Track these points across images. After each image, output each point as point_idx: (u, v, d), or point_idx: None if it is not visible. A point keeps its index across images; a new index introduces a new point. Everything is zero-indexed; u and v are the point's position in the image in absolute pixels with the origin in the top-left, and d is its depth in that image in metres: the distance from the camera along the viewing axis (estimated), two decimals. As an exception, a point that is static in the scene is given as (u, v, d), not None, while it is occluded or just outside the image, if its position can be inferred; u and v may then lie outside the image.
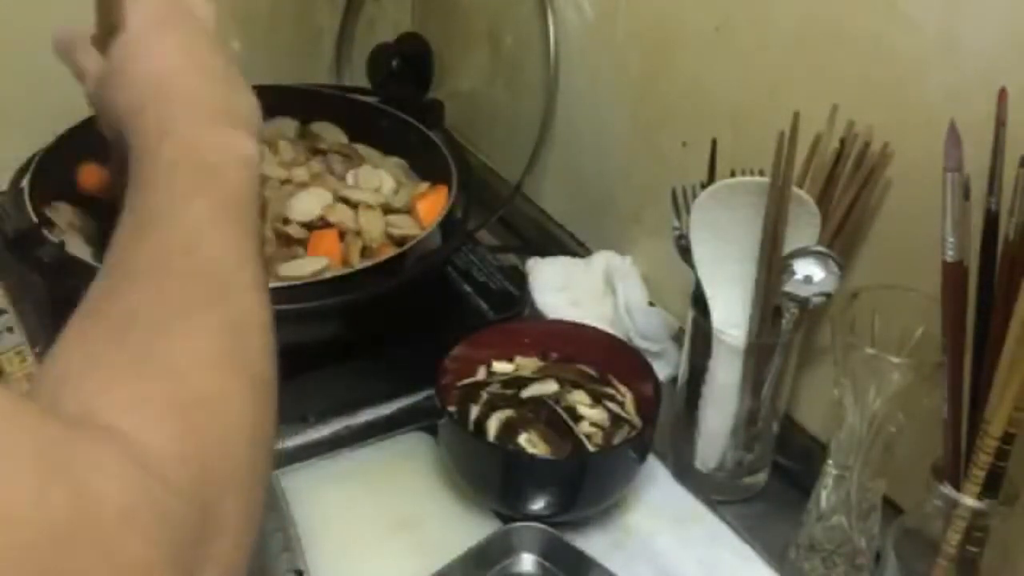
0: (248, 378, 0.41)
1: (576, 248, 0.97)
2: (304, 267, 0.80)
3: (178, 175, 0.47)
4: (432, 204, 0.88)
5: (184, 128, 0.50)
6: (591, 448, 0.70)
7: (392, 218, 0.87)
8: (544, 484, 0.69)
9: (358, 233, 0.85)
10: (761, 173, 0.67)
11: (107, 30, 0.56)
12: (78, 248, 0.78)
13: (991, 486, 0.54)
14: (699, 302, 0.71)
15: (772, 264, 0.67)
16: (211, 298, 0.43)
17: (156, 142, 0.49)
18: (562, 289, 0.89)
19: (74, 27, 0.60)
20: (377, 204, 0.87)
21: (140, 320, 0.40)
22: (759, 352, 0.69)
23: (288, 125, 0.95)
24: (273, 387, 0.43)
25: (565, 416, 0.72)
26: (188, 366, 0.39)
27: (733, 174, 0.69)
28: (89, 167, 0.87)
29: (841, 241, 0.67)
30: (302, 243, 0.83)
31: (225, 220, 0.46)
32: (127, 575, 0.32)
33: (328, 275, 0.78)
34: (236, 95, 0.54)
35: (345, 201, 0.87)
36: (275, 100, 0.93)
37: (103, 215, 0.68)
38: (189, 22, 0.56)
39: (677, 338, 0.84)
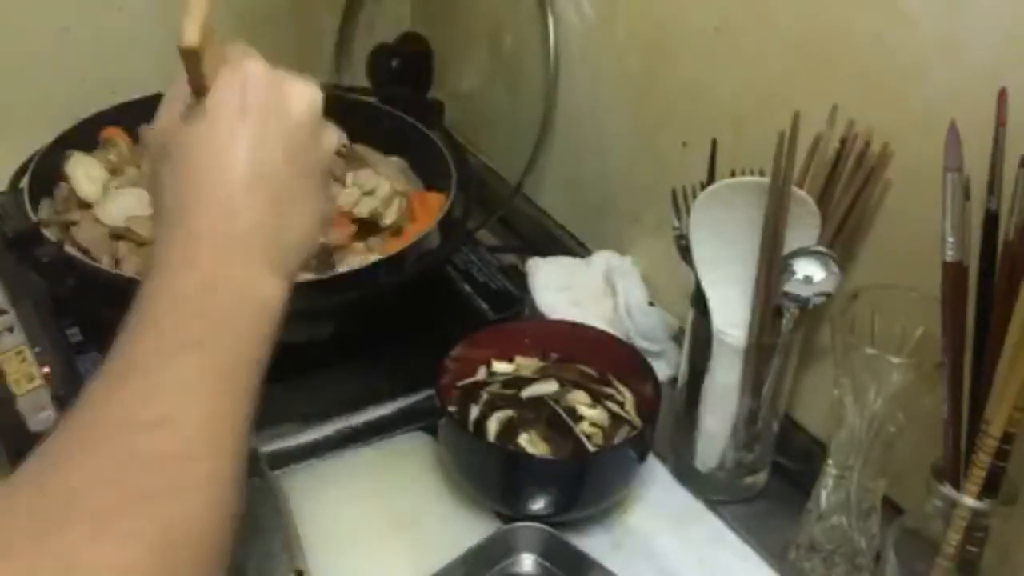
0: None
1: (576, 248, 0.97)
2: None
3: (183, 316, 0.43)
4: (432, 204, 0.88)
5: (212, 256, 0.45)
6: (591, 448, 0.70)
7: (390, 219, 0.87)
8: (544, 484, 0.69)
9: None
10: (761, 173, 0.67)
11: (196, 90, 0.49)
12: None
13: (991, 486, 0.54)
14: (699, 302, 0.71)
15: (772, 264, 0.66)
16: (161, 490, 0.39)
17: (178, 263, 0.45)
18: (562, 289, 0.89)
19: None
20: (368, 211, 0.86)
21: (76, 512, 0.37)
22: (759, 352, 0.69)
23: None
24: None
25: (565, 416, 0.72)
26: None
27: (733, 174, 0.69)
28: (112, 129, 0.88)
29: (841, 241, 0.67)
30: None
31: (215, 383, 0.42)
32: None
33: (328, 275, 0.78)
34: (292, 219, 0.49)
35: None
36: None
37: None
38: (275, 119, 0.49)
39: (677, 338, 0.84)
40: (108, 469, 0.38)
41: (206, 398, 0.42)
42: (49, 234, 0.77)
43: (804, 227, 0.66)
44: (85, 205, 0.82)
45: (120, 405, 0.40)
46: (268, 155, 0.48)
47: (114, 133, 0.89)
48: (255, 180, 0.47)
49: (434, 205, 0.87)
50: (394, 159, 0.95)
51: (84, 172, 0.83)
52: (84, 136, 0.88)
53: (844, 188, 0.66)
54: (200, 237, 0.46)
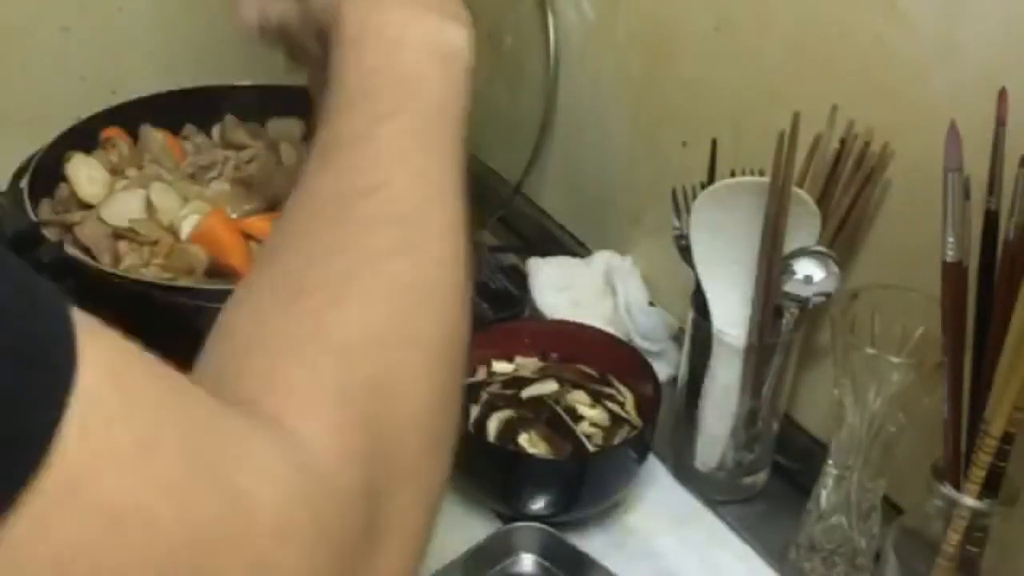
0: (427, 353, 0.38)
1: (576, 248, 0.97)
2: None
3: (375, 87, 0.45)
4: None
5: (386, 21, 0.46)
6: (591, 448, 0.70)
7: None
8: (544, 484, 0.69)
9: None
10: (761, 173, 0.67)
11: None
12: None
13: (991, 486, 0.54)
14: (699, 302, 0.71)
15: (772, 264, 0.66)
16: (390, 250, 0.40)
17: (356, 39, 0.46)
18: (562, 289, 0.89)
19: None
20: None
21: (312, 281, 0.38)
22: (759, 352, 0.69)
23: (293, 125, 0.95)
24: (456, 356, 0.40)
25: (565, 416, 0.72)
26: (360, 342, 0.36)
27: (733, 174, 0.69)
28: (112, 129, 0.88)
29: (841, 241, 0.67)
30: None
31: (420, 145, 0.43)
32: None
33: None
34: None
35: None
36: (279, 100, 0.93)
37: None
38: None
39: (677, 338, 0.84)
40: (335, 238, 0.39)
41: (417, 156, 0.43)
42: (49, 234, 0.77)
43: (804, 227, 0.66)
44: (85, 205, 0.82)
45: (335, 176, 0.42)
46: None
47: (114, 133, 0.89)
48: None
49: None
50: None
51: (86, 174, 0.83)
52: (84, 136, 0.87)
53: (844, 188, 0.66)
54: (373, 8, 0.47)
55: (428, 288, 0.40)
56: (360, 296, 0.38)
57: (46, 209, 0.82)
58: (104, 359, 0.27)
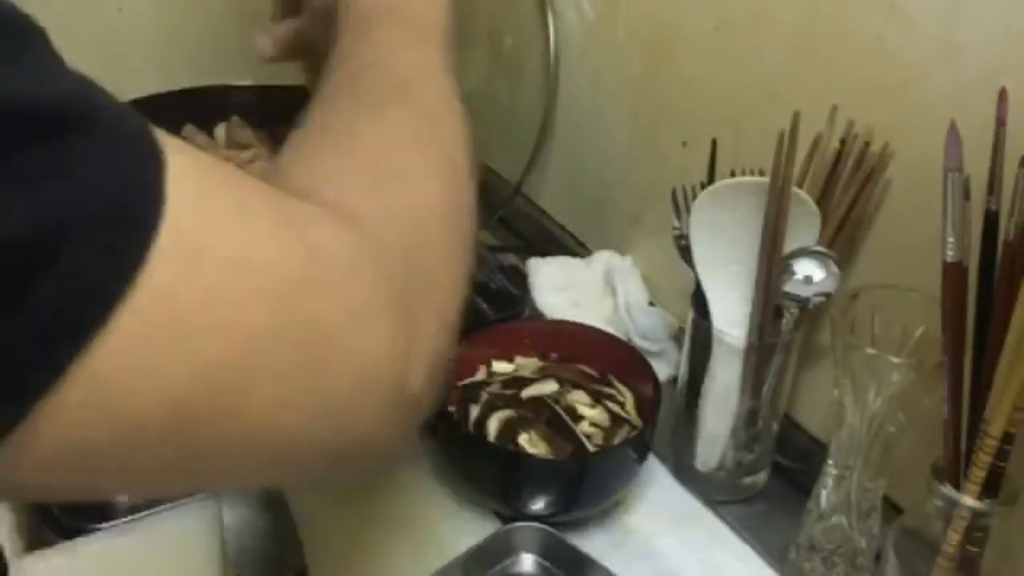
0: (438, 157, 0.47)
1: (576, 248, 0.97)
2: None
3: (368, 19, 0.54)
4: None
5: None
6: (591, 448, 0.70)
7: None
8: (544, 484, 0.69)
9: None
10: (761, 173, 0.67)
11: None
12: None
13: (991, 486, 0.54)
14: (699, 302, 0.71)
15: (772, 264, 0.66)
16: (399, 96, 0.48)
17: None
18: (562, 289, 0.89)
19: None
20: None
21: (339, 119, 0.46)
22: (759, 352, 0.69)
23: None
24: (466, 173, 0.48)
25: (565, 416, 0.72)
26: (382, 147, 0.45)
27: (733, 174, 0.69)
28: None
29: (841, 241, 0.67)
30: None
31: (409, 42, 0.52)
32: (357, 315, 0.36)
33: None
34: None
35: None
36: (277, 100, 0.93)
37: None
38: None
39: (677, 338, 0.84)
40: (355, 96, 0.48)
41: (408, 48, 0.52)
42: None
43: (804, 227, 0.66)
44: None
45: (344, 71, 0.50)
46: None
47: (114, 133, 0.88)
48: None
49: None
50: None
51: None
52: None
53: (844, 188, 0.66)
54: None
55: (432, 118, 0.49)
56: (378, 120, 0.46)
57: None
58: (177, 144, 0.31)
